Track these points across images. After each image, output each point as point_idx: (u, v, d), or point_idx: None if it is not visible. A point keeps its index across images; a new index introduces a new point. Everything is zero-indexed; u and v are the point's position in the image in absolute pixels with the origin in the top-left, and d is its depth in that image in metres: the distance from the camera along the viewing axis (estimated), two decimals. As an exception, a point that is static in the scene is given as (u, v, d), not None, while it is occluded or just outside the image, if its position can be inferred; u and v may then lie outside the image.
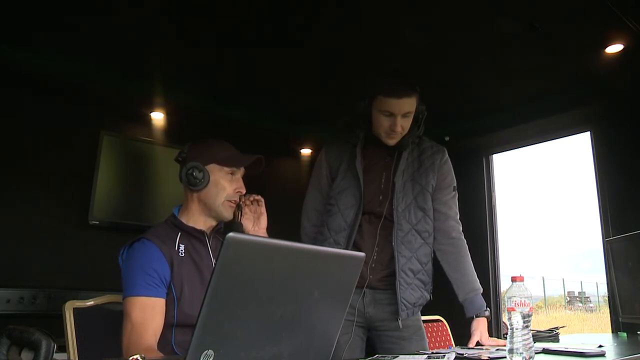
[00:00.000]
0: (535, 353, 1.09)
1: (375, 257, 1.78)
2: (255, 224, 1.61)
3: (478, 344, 1.70)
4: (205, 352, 0.74)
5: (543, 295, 17.89)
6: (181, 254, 1.43)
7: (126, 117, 3.20)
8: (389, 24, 2.22)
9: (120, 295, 1.38)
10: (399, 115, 1.71)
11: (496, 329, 3.25)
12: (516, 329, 1.07)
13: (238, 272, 0.76)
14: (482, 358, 1.26)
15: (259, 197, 1.62)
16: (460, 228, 1.84)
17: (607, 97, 2.82)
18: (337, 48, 2.45)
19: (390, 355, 1.32)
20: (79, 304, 1.46)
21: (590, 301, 18.58)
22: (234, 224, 1.54)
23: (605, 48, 2.36)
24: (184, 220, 1.49)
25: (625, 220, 2.66)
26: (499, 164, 3.61)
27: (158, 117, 3.26)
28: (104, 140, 3.04)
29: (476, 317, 1.73)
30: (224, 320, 0.76)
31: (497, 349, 1.45)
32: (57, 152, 2.94)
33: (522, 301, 1.08)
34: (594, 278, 18.85)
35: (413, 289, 1.76)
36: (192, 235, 1.48)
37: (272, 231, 1.61)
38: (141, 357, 0.88)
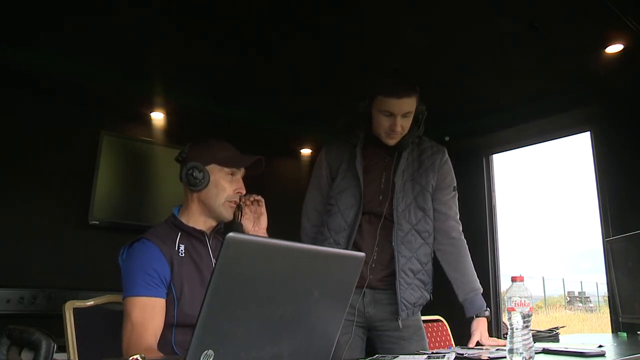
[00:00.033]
0: (535, 353, 1.09)
1: (375, 257, 1.78)
2: (256, 224, 1.61)
3: (478, 344, 1.70)
4: (205, 352, 0.74)
5: (543, 295, 17.89)
6: (181, 254, 1.43)
7: (126, 117, 3.20)
8: (389, 24, 2.22)
9: (120, 295, 1.38)
10: (399, 115, 1.71)
11: (496, 329, 3.25)
12: (516, 329, 1.07)
13: (238, 272, 0.76)
14: (482, 358, 1.26)
15: (259, 197, 1.62)
16: (460, 228, 1.84)
17: (607, 97, 2.82)
18: (337, 48, 2.45)
19: (390, 355, 1.32)
20: (79, 304, 1.46)
21: (590, 301, 18.58)
22: (234, 224, 1.54)
23: (605, 48, 2.36)
24: (184, 220, 1.49)
25: (625, 220, 2.66)
26: (499, 164, 3.62)
27: (158, 117, 3.26)
28: (104, 140, 3.04)
29: (476, 317, 1.73)
30: (224, 320, 0.76)
31: (497, 349, 1.45)
32: (57, 152, 2.94)
33: (522, 301, 1.08)
34: (594, 278, 18.86)
35: (413, 289, 1.76)
36: (192, 235, 1.48)
37: (272, 231, 1.61)
38: (141, 357, 0.88)
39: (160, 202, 3.15)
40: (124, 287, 1.36)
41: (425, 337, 1.84)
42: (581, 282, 19.82)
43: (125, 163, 3.15)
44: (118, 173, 3.11)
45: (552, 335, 1.82)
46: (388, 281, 1.77)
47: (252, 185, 1.58)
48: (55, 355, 0.80)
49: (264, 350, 0.83)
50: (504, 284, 3.40)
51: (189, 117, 3.25)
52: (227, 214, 1.51)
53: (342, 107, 2.12)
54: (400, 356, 1.30)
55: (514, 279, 1.11)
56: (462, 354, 1.32)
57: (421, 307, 1.82)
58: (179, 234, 1.47)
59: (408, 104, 1.71)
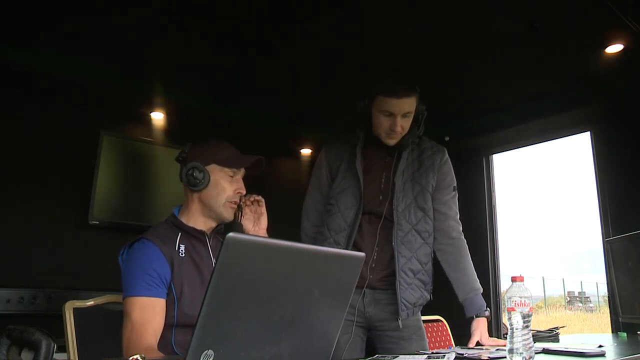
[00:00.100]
0: (535, 353, 1.09)
1: (375, 257, 1.78)
2: (256, 224, 1.61)
3: (478, 344, 1.70)
4: (205, 352, 0.74)
5: (543, 295, 17.89)
6: (181, 254, 1.43)
7: (126, 117, 3.20)
8: (389, 24, 2.22)
9: (120, 295, 1.38)
10: (399, 115, 1.71)
11: (496, 329, 3.25)
12: (516, 329, 1.07)
13: (238, 272, 0.76)
14: (482, 358, 1.26)
15: (259, 198, 1.62)
16: (460, 228, 1.84)
17: (607, 97, 2.82)
18: (337, 48, 2.45)
19: (390, 355, 1.32)
20: (79, 304, 1.46)
21: (590, 301, 18.58)
22: (234, 224, 1.54)
23: (605, 48, 2.36)
24: (184, 220, 1.49)
25: (625, 220, 2.66)
26: (499, 164, 3.62)
27: (158, 117, 3.26)
28: (104, 140, 3.04)
29: (476, 317, 1.73)
30: (224, 320, 0.76)
31: (497, 349, 1.45)
32: (57, 152, 2.94)
33: (522, 301, 1.08)
34: (594, 278, 18.86)
35: (413, 289, 1.76)
36: (193, 235, 1.48)
37: (272, 231, 1.61)
38: (141, 357, 0.88)
39: (160, 202, 3.14)
40: (124, 287, 1.36)
41: (425, 337, 1.84)
42: (581, 282, 19.82)
43: (125, 163, 3.15)
44: (118, 173, 3.11)
45: (552, 335, 1.82)
46: (388, 281, 1.77)
47: (252, 185, 1.58)
48: (55, 355, 0.80)
49: (264, 350, 0.83)
50: (504, 284, 3.40)
51: (189, 117, 3.25)
52: (228, 214, 1.51)
53: (342, 107, 2.12)
54: (400, 356, 1.30)
55: (514, 279, 1.11)
56: (462, 354, 1.32)
57: (421, 307, 1.82)
58: (179, 234, 1.47)
59: (408, 104, 1.71)
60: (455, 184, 1.87)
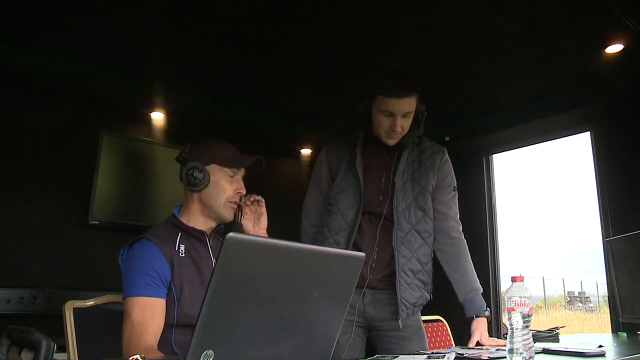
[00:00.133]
0: (535, 353, 1.09)
1: (375, 257, 1.78)
2: (256, 224, 1.61)
3: (478, 344, 1.70)
4: (205, 352, 0.74)
5: (543, 295, 17.89)
6: (181, 254, 1.43)
7: (126, 117, 3.20)
8: (389, 24, 2.22)
9: (120, 295, 1.38)
10: (399, 115, 1.71)
11: (496, 329, 3.25)
12: (516, 329, 1.07)
13: (238, 272, 0.76)
14: (482, 358, 1.26)
15: (259, 198, 1.62)
16: (460, 228, 1.84)
17: (607, 97, 2.82)
18: (337, 48, 2.45)
19: (390, 355, 1.32)
20: (79, 304, 1.46)
21: (590, 301, 18.58)
22: (234, 224, 1.54)
23: (605, 48, 2.36)
24: (184, 220, 1.49)
25: (625, 220, 2.66)
26: (499, 164, 3.62)
27: (158, 117, 3.26)
28: (104, 140, 3.04)
29: (476, 317, 1.73)
30: (224, 320, 0.76)
31: (497, 349, 1.45)
32: (57, 152, 2.94)
33: (522, 301, 1.08)
34: (594, 278, 18.86)
35: (413, 289, 1.76)
36: (193, 235, 1.48)
37: (272, 231, 1.61)
38: (141, 357, 0.88)
39: (160, 202, 3.14)
40: (124, 287, 1.36)
41: (425, 337, 1.84)
42: (581, 282, 19.82)
43: (125, 163, 3.15)
44: (118, 173, 3.11)
45: (552, 335, 1.82)
46: (388, 281, 1.77)
47: (252, 185, 1.58)
48: (55, 355, 0.80)
49: (264, 350, 0.83)
50: (504, 284, 3.40)
51: (189, 117, 3.25)
52: (228, 214, 1.51)
53: (342, 107, 2.12)
54: (400, 356, 1.30)
55: (514, 279, 1.11)
56: (462, 354, 1.32)
57: (421, 307, 1.82)
58: (179, 234, 1.47)
59: (408, 104, 1.71)
60: (455, 184, 1.87)
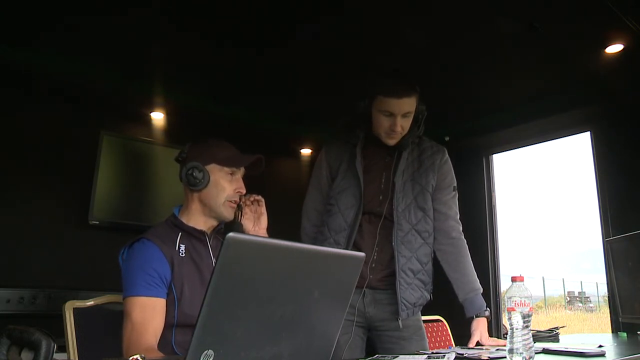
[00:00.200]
0: (535, 353, 1.09)
1: (375, 257, 1.78)
2: (256, 224, 1.61)
3: (478, 344, 1.70)
4: (205, 352, 0.74)
5: (543, 295, 17.89)
6: (181, 254, 1.43)
7: (126, 117, 3.20)
8: (389, 24, 2.22)
9: (120, 295, 1.38)
10: (399, 115, 1.71)
11: (496, 329, 3.25)
12: (516, 329, 1.07)
13: (238, 272, 0.76)
14: (482, 358, 1.26)
15: (259, 197, 1.62)
16: (460, 228, 1.84)
17: (607, 97, 2.82)
18: (337, 48, 2.45)
19: (390, 355, 1.32)
20: (79, 304, 1.46)
21: (590, 301, 18.58)
22: (234, 224, 1.54)
23: (605, 48, 2.36)
24: (184, 220, 1.49)
25: (625, 220, 2.66)
26: (499, 164, 3.62)
27: (158, 117, 3.26)
28: (104, 140, 3.04)
29: (476, 317, 1.73)
30: (224, 320, 0.76)
31: (497, 349, 1.45)
32: (57, 152, 2.94)
33: (522, 301, 1.08)
34: (594, 278, 18.86)
35: (413, 288, 1.76)
36: (193, 235, 1.48)
37: (272, 231, 1.61)
38: (141, 357, 0.88)
39: (160, 202, 3.14)
40: (124, 287, 1.36)
41: (426, 337, 1.84)
42: (581, 282, 19.83)
43: (125, 163, 3.15)
44: (118, 173, 3.11)
45: (552, 335, 1.82)
46: (388, 281, 1.77)
47: (252, 185, 1.58)
48: (55, 355, 0.80)
49: (264, 350, 0.83)
50: (504, 284, 3.40)
51: (189, 117, 3.25)
52: (228, 214, 1.51)
53: (342, 107, 2.12)
54: (400, 356, 1.30)
55: (514, 279, 1.11)
56: (462, 354, 1.32)
57: (421, 307, 1.82)
58: (180, 234, 1.47)
59: (408, 104, 1.71)
60: (455, 184, 1.87)
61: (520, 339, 1.06)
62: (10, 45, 2.44)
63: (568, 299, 18.67)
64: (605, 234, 2.75)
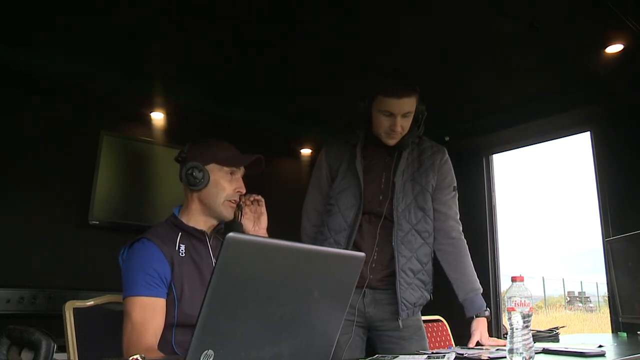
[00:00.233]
0: (535, 353, 1.09)
1: (375, 257, 1.78)
2: (256, 224, 1.61)
3: (478, 344, 1.70)
4: (205, 352, 0.74)
5: (543, 295, 17.89)
6: (181, 254, 1.43)
7: (126, 117, 3.20)
8: (389, 24, 2.22)
9: (120, 295, 1.38)
10: (399, 115, 1.71)
11: (496, 329, 3.25)
12: (516, 329, 1.07)
13: (238, 272, 0.76)
14: (482, 358, 1.26)
15: (259, 197, 1.62)
16: (460, 228, 1.84)
17: (607, 97, 2.82)
18: (337, 48, 2.45)
19: (390, 355, 1.32)
20: (79, 304, 1.46)
21: (590, 301, 18.58)
22: (234, 224, 1.54)
23: (605, 48, 2.36)
24: (184, 220, 1.49)
25: (625, 220, 2.66)
26: (499, 164, 3.62)
27: (158, 117, 3.26)
28: (104, 140, 3.04)
29: (476, 317, 1.73)
30: (224, 320, 0.76)
31: (497, 349, 1.45)
32: (57, 152, 2.94)
33: (522, 301, 1.08)
34: (594, 278, 18.86)
35: (413, 288, 1.76)
36: (193, 235, 1.48)
37: (272, 231, 1.61)
38: (141, 357, 0.88)
39: (160, 202, 3.15)
40: (124, 287, 1.36)
41: (426, 337, 1.84)
42: (581, 282, 19.83)
43: (125, 163, 3.15)
44: (118, 173, 3.11)
45: (552, 335, 1.82)
46: (388, 281, 1.77)
47: (252, 185, 1.58)
48: (55, 355, 0.80)
49: (264, 350, 0.83)
50: (504, 284, 3.40)
51: (189, 117, 3.25)
52: (227, 214, 1.51)
53: (342, 107, 2.12)
54: (400, 356, 1.30)
55: (514, 279, 1.11)
56: (462, 354, 1.32)
57: (421, 307, 1.82)
58: (180, 234, 1.47)
59: (408, 104, 1.71)
60: (455, 184, 1.87)
61: (520, 339, 1.06)
62: (10, 45, 2.44)
63: (568, 299, 18.68)
64: (605, 234, 2.75)
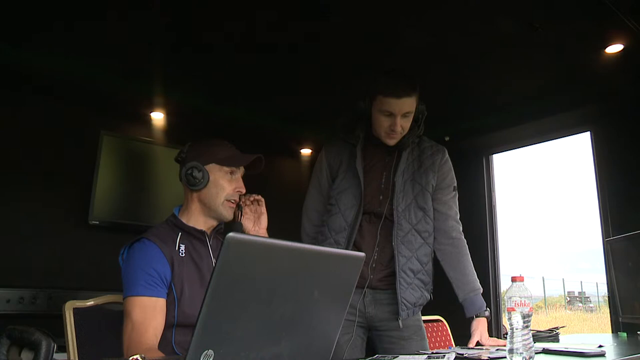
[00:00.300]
0: (535, 353, 1.09)
1: (375, 257, 1.78)
2: (256, 224, 1.61)
3: (478, 344, 1.70)
4: (205, 352, 0.74)
5: (543, 295, 17.89)
6: (181, 254, 1.43)
7: (126, 117, 3.20)
8: (389, 24, 2.22)
9: (120, 295, 1.38)
10: (399, 115, 1.71)
11: (496, 329, 3.25)
12: (516, 329, 1.07)
13: (238, 272, 0.76)
14: (482, 358, 1.26)
15: (259, 197, 1.62)
16: (461, 228, 1.84)
17: (607, 97, 2.82)
18: (337, 48, 2.45)
19: (390, 355, 1.32)
20: (79, 304, 1.46)
21: (590, 301, 18.59)
22: (234, 224, 1.54)
23: (605, 48, 2.36)
24: (184, 220, 1.49)
25: (625, 220, 2.66)
26: (499, 164, 3.62)
27: (158, 117, 3.26)
28: (104, 140, 3.04)
29: (476, 317, 1.73)
30: (224, 320, 0.76)
31: (497, 349, 1.45)
32: (57, 152, 2.94)
33: (522, 301, 1.08)
34: (594, 278, 18.88)
35: (413, 288, 1.76)
36: (193, 235, 1.48)
37: (272, 231, 1.61)
38: (141, 357, 0.88)
39: (160, 202, 3.15)
40: (124, 286, 1.36)
41: (426, 337, 1.84)
42: (581, 282, 19.83)
43: (125, 163, 3.15)
44: (118, 173, 3.11)
45: (552, 335, 1.82)
46: (388, 281, 1.77)
47: (252, 185, 1.58)
48: (55, 355, 0.80)
49: (264, 350, 0.83)
50: (504, 284, 3.40)
51: (189, 117, 3.25)
52: (227, 213, 1.51)
53: (342, 107, 2.12)
54: (400, 356, 1.30)
55: (514, 279, 1.11)
56: (462, 354, 1.32)
57: (421, 307, 1.82)
58: (180, 234, 1.47)
59: (408, 104, 1.71)
60: (455, 184, 1.87)
61: (520, 339, 1.06)
62: (10, 45, 2.44)
63: (568, 299, 18.68)
64: (605, 234, 2.75)
